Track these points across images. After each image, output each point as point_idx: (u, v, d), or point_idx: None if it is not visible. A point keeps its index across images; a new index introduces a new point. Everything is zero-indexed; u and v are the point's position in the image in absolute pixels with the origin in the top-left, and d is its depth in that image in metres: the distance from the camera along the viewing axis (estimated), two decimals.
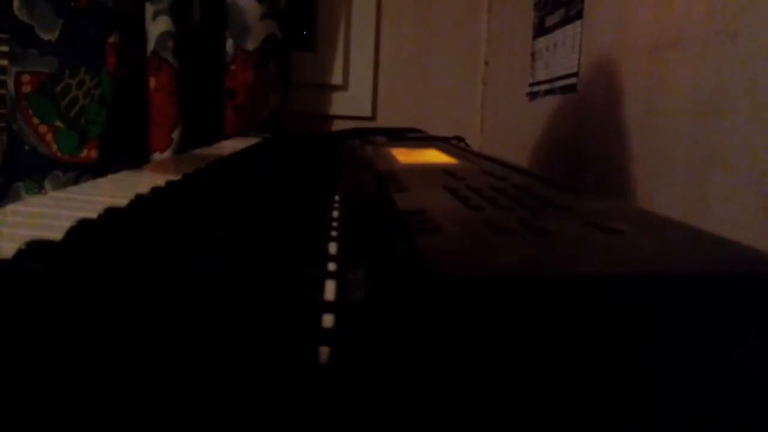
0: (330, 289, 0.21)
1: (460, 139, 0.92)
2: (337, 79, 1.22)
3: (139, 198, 0.30)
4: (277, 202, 0.34)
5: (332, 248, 0.27)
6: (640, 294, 0.15)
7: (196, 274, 0.19)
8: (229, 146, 0.78)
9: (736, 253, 0.18)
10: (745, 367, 0.14)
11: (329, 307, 0.19)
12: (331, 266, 0.24)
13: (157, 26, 0.95)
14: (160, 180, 0.38)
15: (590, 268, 0.16)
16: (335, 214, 0.35)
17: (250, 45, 1.01)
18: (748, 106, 0.42)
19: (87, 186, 0.42)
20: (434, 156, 0.53)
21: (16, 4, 0.91)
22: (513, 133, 1.04)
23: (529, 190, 0.30)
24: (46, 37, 0.92)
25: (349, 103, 1.23)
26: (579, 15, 0.73)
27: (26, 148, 0.93)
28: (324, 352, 0.16)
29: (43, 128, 0.93)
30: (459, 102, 1.25)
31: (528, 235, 0.19)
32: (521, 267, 0.17)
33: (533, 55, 0.90)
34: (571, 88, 0.75)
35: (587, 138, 0.70)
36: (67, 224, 0.22)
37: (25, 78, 0.93)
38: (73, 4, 0.92)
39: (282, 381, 0.14)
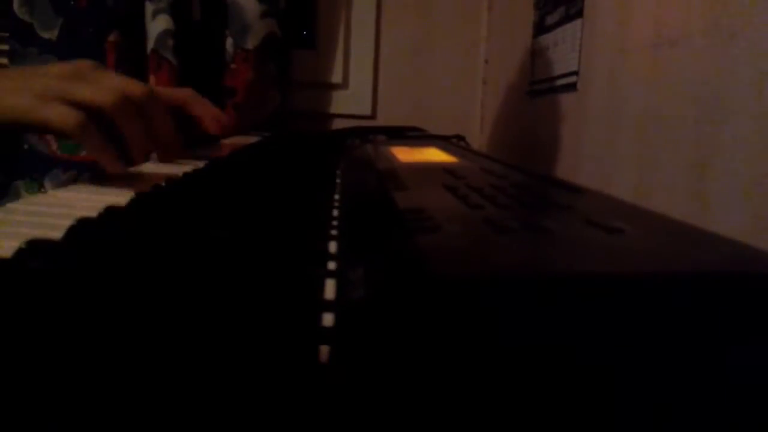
0: (330, 288, 0.21)
1: (460, 137, 0.92)
2: (337, 77, 1.22)
3: (139, 197, 0.30)
4: (277, 200, 0.34)
5: (332, 247, 0.27)
6: (640, 293, 0.15)
7: (196, 274, 0.19)
8: (229, 145, 0.77)
9: (736, 253, 0.18)
10: (745, 367, 0.14)
11: (329, 305, 0.19)
12: (331, 265, 0.24)
13: (157, 25, 0.95)
14: (160, 178, 0.38)
15: (591, 266, 0.16)
16: (335, 213, 0.35)
17: (250, 43, 1.01)
18: (748, 105, 0.42)
19: (87, 185, 0.42)
20: (434, 155, 0.53)
21: (16, 2, 0.91)
22: (513, 132, 1.04)
23: (529, 188, 0.30)
24: (46, 35, 0.92)
25: (349, 101, 1.23)
26: (579, 13, 0.73)
27: (26, 146, 0.93)
28: (324, 351, 0.16)
29: None
30: (459, 101, 1.25)
31: (528, 233, 0.19)
32: (521, 266, 0.17)
33: (533, 53, 0.90)
34: (571, 87, 0.74)
35: (587, 137, 0.70)
36: (67, 223, 0.22)
37: None
38: (72, 3, 0.92)
39: (281, 380, 0.14)
